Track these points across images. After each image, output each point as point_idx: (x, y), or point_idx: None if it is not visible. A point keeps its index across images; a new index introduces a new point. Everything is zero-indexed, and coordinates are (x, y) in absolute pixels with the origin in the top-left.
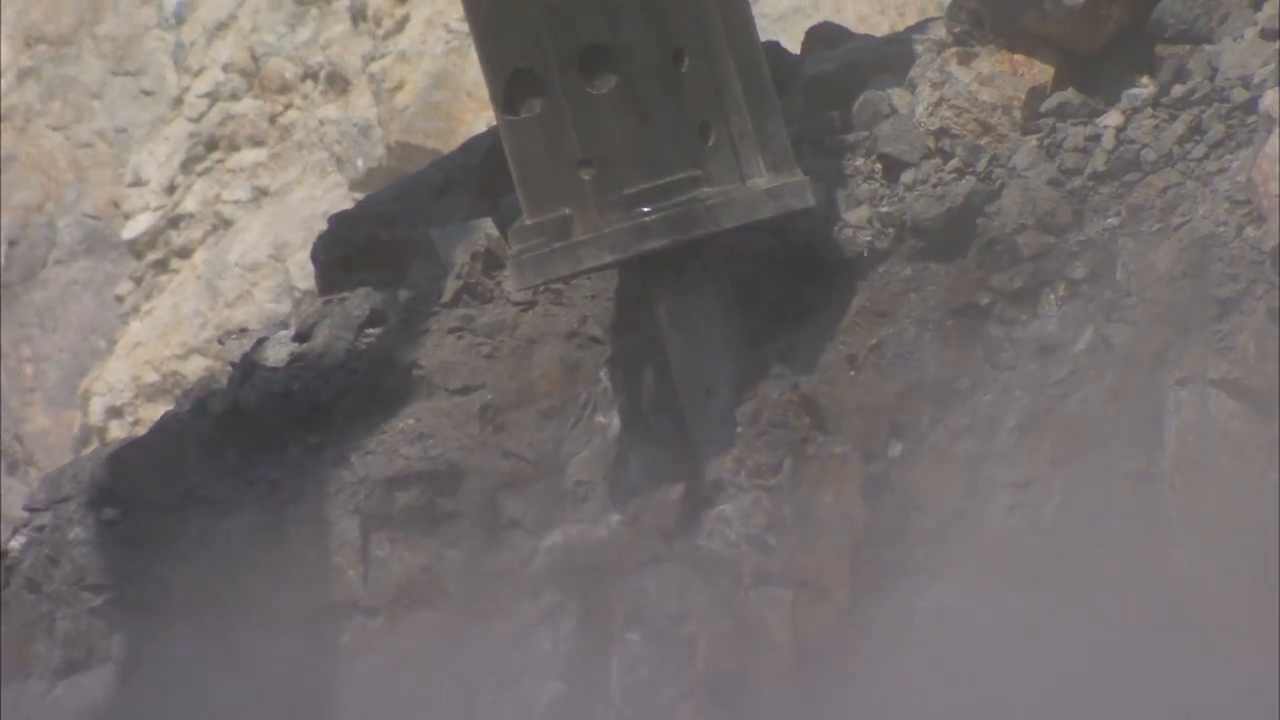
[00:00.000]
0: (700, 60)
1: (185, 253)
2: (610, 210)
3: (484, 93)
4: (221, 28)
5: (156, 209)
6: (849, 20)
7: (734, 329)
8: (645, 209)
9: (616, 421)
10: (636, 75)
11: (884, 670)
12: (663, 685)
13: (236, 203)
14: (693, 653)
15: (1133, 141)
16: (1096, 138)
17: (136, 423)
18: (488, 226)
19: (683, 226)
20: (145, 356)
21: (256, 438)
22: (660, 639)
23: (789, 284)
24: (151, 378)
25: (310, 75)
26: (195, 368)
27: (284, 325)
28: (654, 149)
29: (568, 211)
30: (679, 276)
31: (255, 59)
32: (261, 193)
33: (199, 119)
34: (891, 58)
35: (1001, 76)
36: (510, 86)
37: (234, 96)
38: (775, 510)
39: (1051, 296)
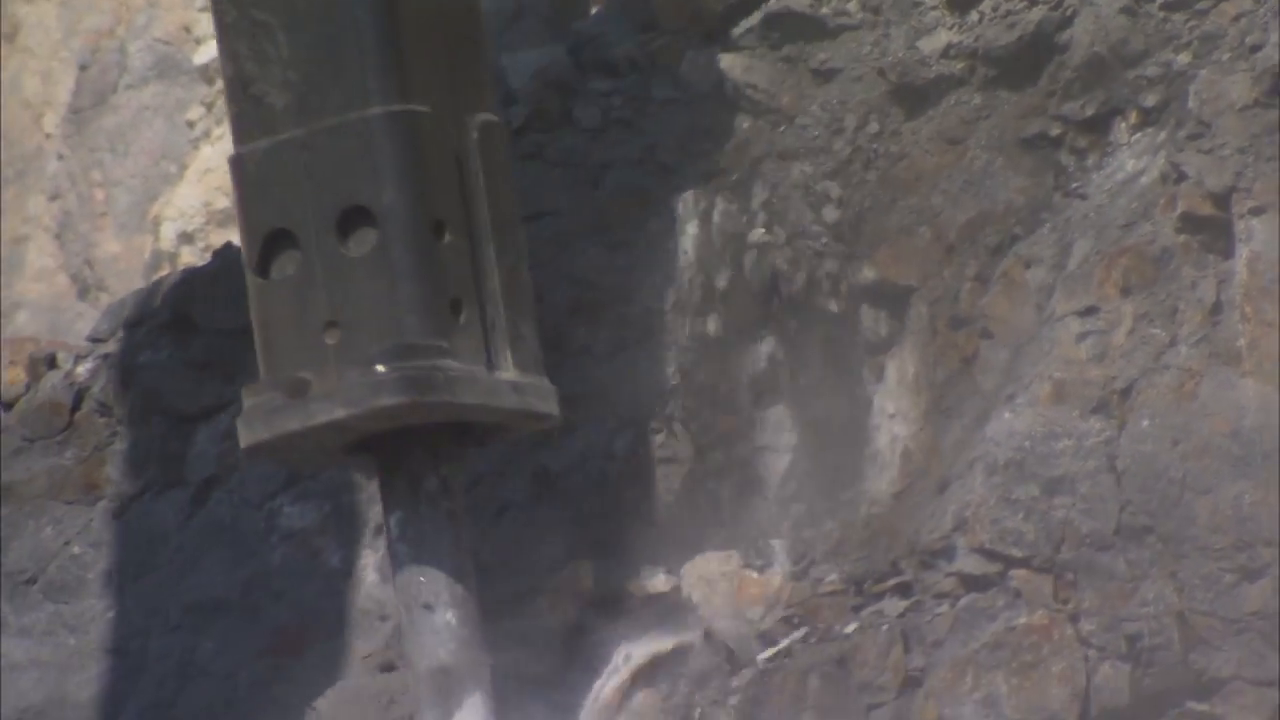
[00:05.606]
0: (461, 238)
1: None
2: (350, 370)
3: None
4: None
5: None
6: None
7: (463, 547)
8: (382, 367)
9: (690, 248)
10: (394, 240)
11: (952, 490)
12: None
13: None
14: None
15: None
16: None
17: (207, 248)
18: (559, 53)
19: (420, 388)
20: (216, 182)
21: None
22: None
23: None
24: (222, 203)
25: None
26: None
27: None
28: (402, 316)
29: (307, 375)
30: (414, 489)
31: None
32: None
33: None
34: None
35: None
36: (265, 247)
37: None
38: None
39: (1123, 125)
